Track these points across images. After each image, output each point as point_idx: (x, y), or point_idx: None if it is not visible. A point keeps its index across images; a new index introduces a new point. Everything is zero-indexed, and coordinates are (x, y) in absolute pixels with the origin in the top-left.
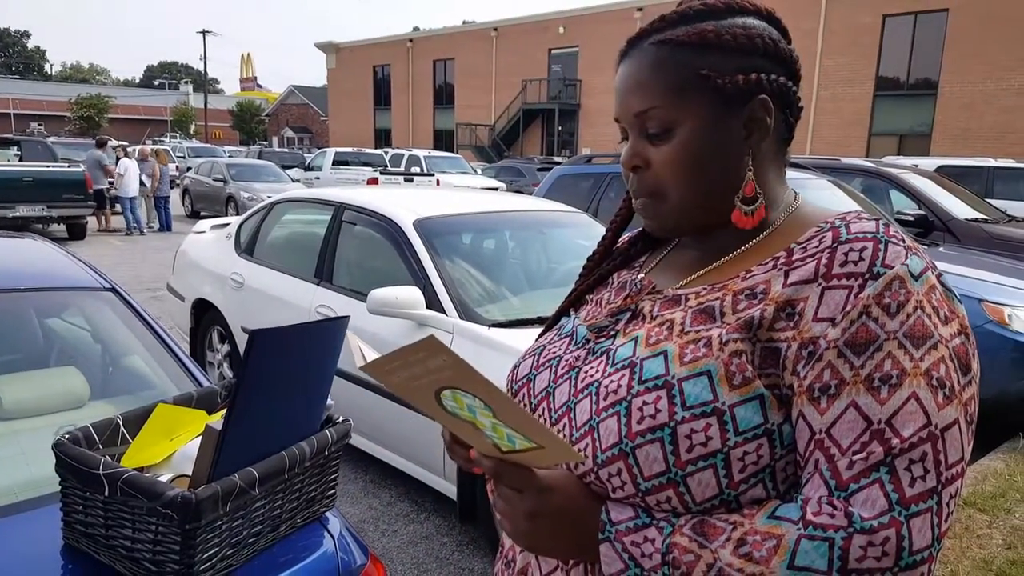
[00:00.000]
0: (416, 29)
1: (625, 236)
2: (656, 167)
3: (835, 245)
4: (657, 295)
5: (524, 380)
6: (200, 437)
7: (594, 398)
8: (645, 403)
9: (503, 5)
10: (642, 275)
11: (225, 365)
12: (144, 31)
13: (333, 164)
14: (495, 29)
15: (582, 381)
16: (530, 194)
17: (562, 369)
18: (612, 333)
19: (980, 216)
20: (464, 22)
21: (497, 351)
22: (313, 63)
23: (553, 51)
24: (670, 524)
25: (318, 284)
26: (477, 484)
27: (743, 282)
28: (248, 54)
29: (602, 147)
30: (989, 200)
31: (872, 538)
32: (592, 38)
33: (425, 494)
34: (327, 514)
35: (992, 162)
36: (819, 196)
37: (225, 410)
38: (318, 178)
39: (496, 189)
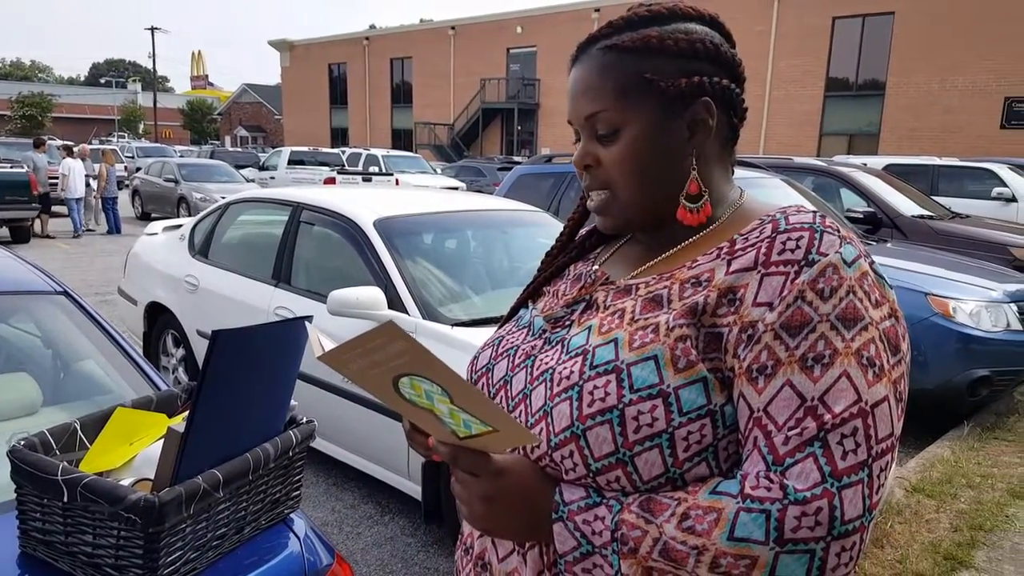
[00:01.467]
0: (372, 27)
1: (582, 231)
2: (606, 166)
3: (774, 235)
4: (610, 286)
5: (483, 370)
6: (162, 440)
7: (548, 384)
8: (596, 387)
9: (460, 4)
10: (596, 267)
11: (180, 370)
12: (89, 28)
13: (288, 163)
14: (453, 28)
15: (537, 369)
16: (491, 194)
17: (519, 358)
18: (567, 323)
19: (926, 213)
20: (421, 20)
21: (461, 350)
22: (267, 61)
23: (511, 50)
24: (619, 502)
25: (276, 286)
26: (442, 484)
27: (689, 271)
28: (199, 52)
29: (562, 147)
30: (934, 197)
31: (805, 508)
32: (550, 38)
33: (389, 496)
34: (292, 515)
35: (937, 160)
36: (772, 195)
37: (187, 412)
38: (273, 178)
39: (456, 189)
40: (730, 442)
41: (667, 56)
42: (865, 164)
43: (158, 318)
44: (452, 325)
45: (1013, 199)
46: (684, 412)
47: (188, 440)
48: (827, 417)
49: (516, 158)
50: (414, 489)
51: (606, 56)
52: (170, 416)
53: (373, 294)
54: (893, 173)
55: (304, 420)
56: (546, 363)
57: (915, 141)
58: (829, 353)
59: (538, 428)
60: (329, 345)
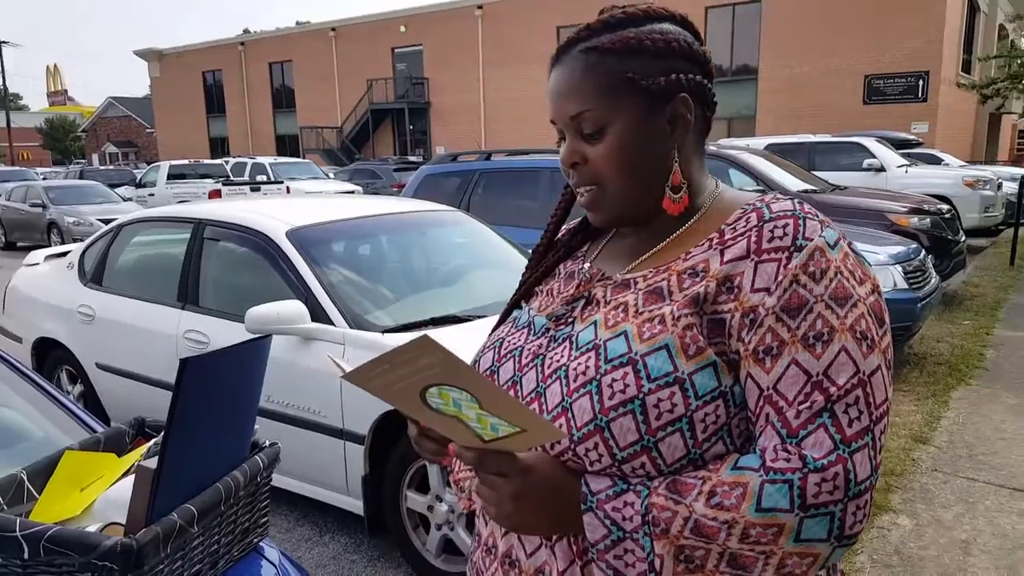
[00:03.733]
0: (247, 32)
1: (564, 228)
2: (593, 163)
3: (761, 224)
4: (607, 281)
5: (488, 372)
6: (123, 480)
7: (564, 381)
8: (614, 380)
9: (338, 5)
10: (588, 264)
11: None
12: None
13: (169, 178)
14: (333, 29)
15: (549, 367)
16: (389, 196)
17: (526, 358)
18: (570, 320)
19: (810, 187)
20: (298, 23)
21: None
22: (133, 72)
23: (396, 50)
24: (646, 487)
25: (183, 308)
26: (384, 495)
27: (684, 263)
28: (55, 65)
29: (456, 144)
30: (814, 172)
31: (824, 475)
32: (435, 36)
33: (326, 514)
34: (261, 543)
35: (812, 138)
36: None
37: (141, 448)
38: (152, 195)
39: (352, 192)
40: (741, 419)
41: (646, 56)
42: (748, 145)
43: (48, 354)
44: (383, 332)
45: (882, 169)
46: (700, 396)
47: (162, 476)
48: (832, 389)
49: (411, 158)
50: (354, 504)
51: (588, 58)
52: (119, 455)
53: (294, 308)
54: (774, 152)
55: (267, 443)
56: (558, 361)
57: (789, 121)
58: (827, 331)
59: (557, 424)
60: (347, 365)
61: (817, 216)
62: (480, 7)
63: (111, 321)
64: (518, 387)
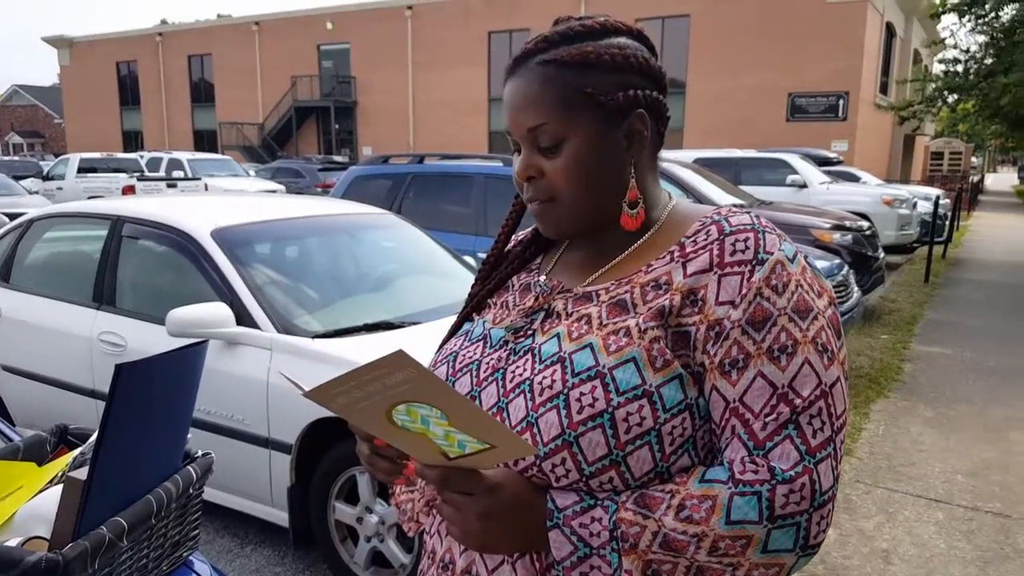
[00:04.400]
0: (164, 23)
1: (514, 239)
2: (549, 177)
3: (722, 237)
4: (568, 293)
5: None
6: (46, 491)
7: (529, 395)
8: (582, 394)
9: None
10: (543, 276)
11: None
12: None
13: (79, 172)
14: (256, 23)
15: (511, 381)
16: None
17: (485, 372)
18: (530, 332)
19: (737, 202)
20: (219, 15)
21: (325, 363)
22: (40, 60)
23: (323, 47)
24: (613, 502)
25: (98, 309)
26: (311, 506)
27: (646, 275)
28: None
29: (383, 146)
30: (740, 186)
31: (792, 486)
32: (363, 35)
33: (247, 526)
34: (191, 557)
35: (739, 153)
36: None
37: (73, 458)
38: (61, 188)
39: (274, 192)
40: (705, 432)
41: (604, 70)
42: (677, 159)
43: None
44: (312, 337)
45: (805, 185)
46: (667, 409)
47: (92, 488)
48: (797, 401)
49: (337, 158)
50: (278, 515)
51: (547, 70)
52: (39, 464)
53: (218, 311)
54: (703, 165)
55: (200, 453)
56: (520, 374)
57: (714, 136)
58: (791, 343)
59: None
60: (311, 382)
61: (775, 230)
62: (410, 7)
63: (19, 321)
64: (477, 401)
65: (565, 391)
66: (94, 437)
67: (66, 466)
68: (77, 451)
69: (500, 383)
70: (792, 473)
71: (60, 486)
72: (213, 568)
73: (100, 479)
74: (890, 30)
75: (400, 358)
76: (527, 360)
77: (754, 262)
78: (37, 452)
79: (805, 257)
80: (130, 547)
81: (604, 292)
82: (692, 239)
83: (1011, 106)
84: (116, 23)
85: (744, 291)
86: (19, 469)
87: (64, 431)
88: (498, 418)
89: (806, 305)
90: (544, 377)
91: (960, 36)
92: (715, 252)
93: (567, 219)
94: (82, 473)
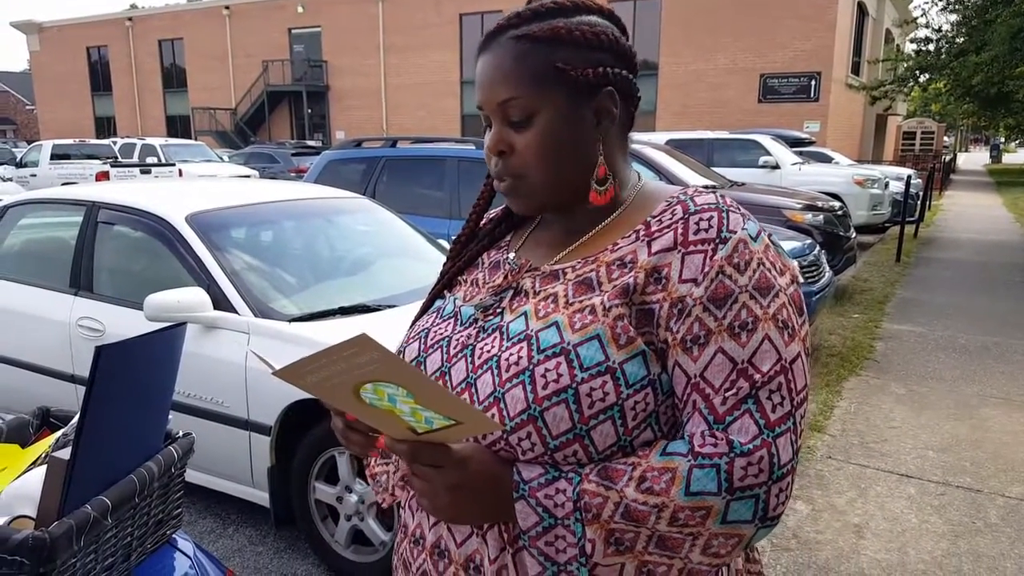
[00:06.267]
0: (134, 7)
1: (486, 217)
2: (519, 151)
3: (687, 216)
4: (535, 272)
5: (414, 363)
6: (31, 471)
7: (496, 371)
8: (547, 370)
9: None
10: (512, 254)
11: None
12: None
13: (52, 158)
14: (227, 7)
15: (479, 357)
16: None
17: (454, 348)
18: (499, 310)
19: (710, 183)
20: (189, 0)
21: (303, 347)
22: (11, 45)
23: (294, 31)
24: (577, 474)
25: (76, 294)
26: (291, 486)
27: (612, 254)
28: None
29: (356, 129)
30: (713, 168)
31: (750, 459)
32: (335, 19)
33: (228, 506)
34: (175, 535)
35: (710, 134)
36: None
37: (56, 439)
38: (35, 175)
39: (248, 177)
40: (668, 407)
41: (575, 47)
42: (649, 140)
43: None
44: (289, 321)
45: (777, 166)
46: (630, 384)
47: (75, 467)
48: (757, 376)
49: (310, 142)
50: (259, 495)
51: (519, 45)
52: (23, 446)
53: (195, 295)
54: (674, 147)
55: (181, 434)
56: (488, 351)
57: (686, 117)
58: (751, 320)
59: (489, 414)
60: (280, 361)
61: (739, 209)
62: None
63: None
64: (447, 377)
65: (531, 367)
66: (76, 418)
67: (49, 447)
68: (60, 432)
69: (469, 360)
70: (750, 447)
71: (44, 466)
72: (196, 546)
73: (83, 459)
74: (862, 9)
75: (363, 341)
76: (495, 338)
77: (717, 241)
78: (20, 434)
79: (769, 236)
80: (114, 525)
81: (571, 270)
82: (657, 218)
83: (983, 85)
84: (85, 6)
85: (706, 269)
86: (2, 451)
87: (46, 413)
88: (466, 394)
89: (767, 283)
90: (511, 354)
91: (932, 15)
92: (679, 231)
93: (537, 195)
94: (65, 453)
